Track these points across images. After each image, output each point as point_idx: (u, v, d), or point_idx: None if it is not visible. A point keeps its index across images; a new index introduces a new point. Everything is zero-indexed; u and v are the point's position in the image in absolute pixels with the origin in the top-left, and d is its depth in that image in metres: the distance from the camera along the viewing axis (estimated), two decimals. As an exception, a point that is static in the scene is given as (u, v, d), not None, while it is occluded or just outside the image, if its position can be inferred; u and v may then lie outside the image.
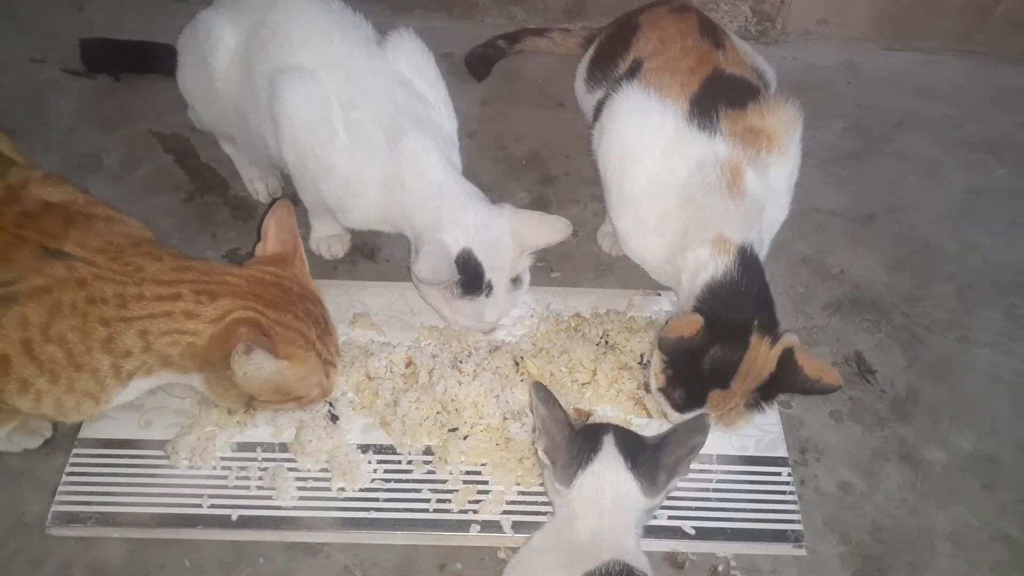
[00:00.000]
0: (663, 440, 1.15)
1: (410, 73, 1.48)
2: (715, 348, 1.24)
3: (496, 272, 1.38)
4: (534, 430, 1.22)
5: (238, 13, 1.50)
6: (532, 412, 1.19)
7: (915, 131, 2.04)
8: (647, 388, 1.42)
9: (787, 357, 1.24)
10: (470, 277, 1.35)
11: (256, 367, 1.14)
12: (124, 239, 1.16)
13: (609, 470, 1.11)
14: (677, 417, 1.30)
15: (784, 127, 1.41)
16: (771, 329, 1.26)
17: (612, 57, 1.60)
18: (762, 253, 1.38)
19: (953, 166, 1.97)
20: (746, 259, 1.30)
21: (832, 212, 1.83)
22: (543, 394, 1.16)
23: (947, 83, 2.18)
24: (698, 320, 1.24)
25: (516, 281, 1.43)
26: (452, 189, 1.39)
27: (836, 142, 2.01)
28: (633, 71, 1.52)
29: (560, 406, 1.17)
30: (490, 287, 1.38)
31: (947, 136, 2.04)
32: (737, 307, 1.27)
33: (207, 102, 1.60)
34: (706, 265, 1.30)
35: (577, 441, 1.14)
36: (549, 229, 1.41)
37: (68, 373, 1.11)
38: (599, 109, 1.56)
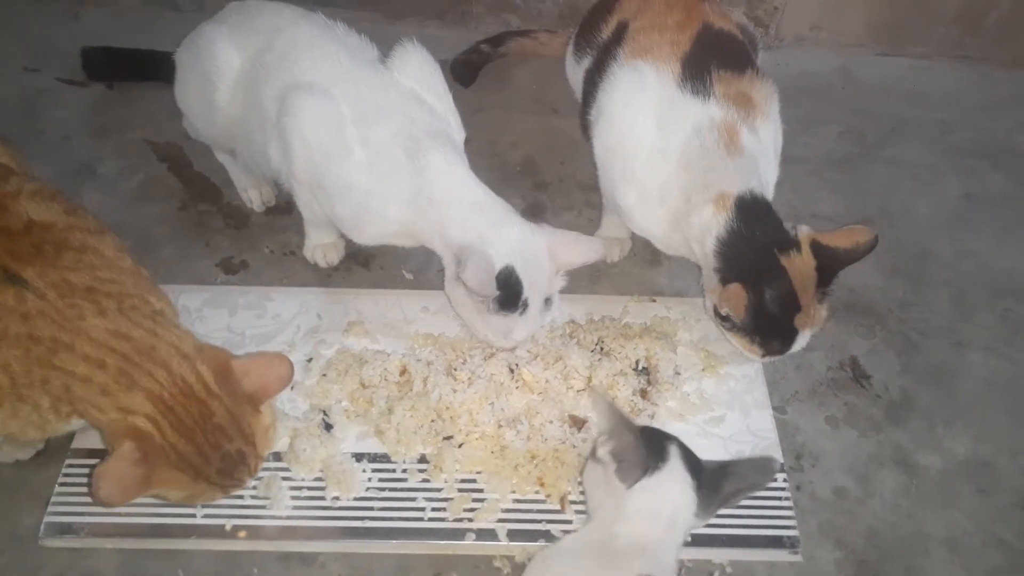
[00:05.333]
0: (726, 469, 1.14)
1: (419, 87, 1.47)
2: (768, 292, 1.31)
3: (533, 291, 1.36)
4: (600, 434, 1.20)
5: (244, 36, 1.50)
6: (599, 413, 1.22)
7: (909, 137, 2.05)
8: (643, 395, 1.42)
9: (817, 248, 1.33)
10: (509, 294, 1.34)
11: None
12: (83, 277, 1.12)
13: (676, 484, 1.10)
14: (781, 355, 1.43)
15: (764, 98, 1.46)
16: (789, 241, 1.34)
17: (596, 24, 1.61)
18: None
19: (947, 172, 1.97)
20: (744, 204, 1.35)
21: (827, 217, 1.82)
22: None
23: (941, 89, 2.18)
24: (739, 289, 1.30)
25: (547, 301, 1.42)
26: (491, 206, 1.39)
27: (830, 148, 2.01)
28: (619, 34, 1.52)
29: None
30: (525, 305, 1.37)
31: (941, 142, 2.04)
32: (752, 249, 1.33)
33: (208, 118, 1.60)
34: (710, 227, 1.35)
35: (642, 443, 1.11)
36: (585, 249, 1.42)
37: (12, 402, 1.09)
38: (587, 81, 1.56)
